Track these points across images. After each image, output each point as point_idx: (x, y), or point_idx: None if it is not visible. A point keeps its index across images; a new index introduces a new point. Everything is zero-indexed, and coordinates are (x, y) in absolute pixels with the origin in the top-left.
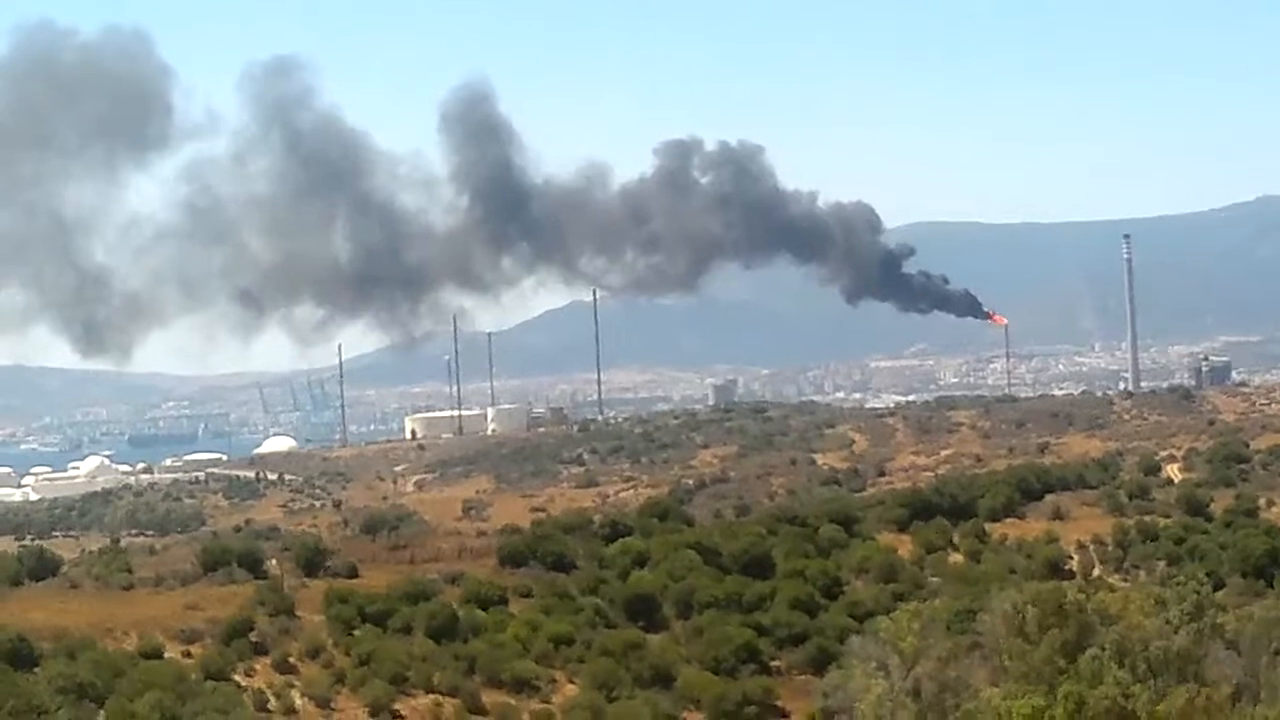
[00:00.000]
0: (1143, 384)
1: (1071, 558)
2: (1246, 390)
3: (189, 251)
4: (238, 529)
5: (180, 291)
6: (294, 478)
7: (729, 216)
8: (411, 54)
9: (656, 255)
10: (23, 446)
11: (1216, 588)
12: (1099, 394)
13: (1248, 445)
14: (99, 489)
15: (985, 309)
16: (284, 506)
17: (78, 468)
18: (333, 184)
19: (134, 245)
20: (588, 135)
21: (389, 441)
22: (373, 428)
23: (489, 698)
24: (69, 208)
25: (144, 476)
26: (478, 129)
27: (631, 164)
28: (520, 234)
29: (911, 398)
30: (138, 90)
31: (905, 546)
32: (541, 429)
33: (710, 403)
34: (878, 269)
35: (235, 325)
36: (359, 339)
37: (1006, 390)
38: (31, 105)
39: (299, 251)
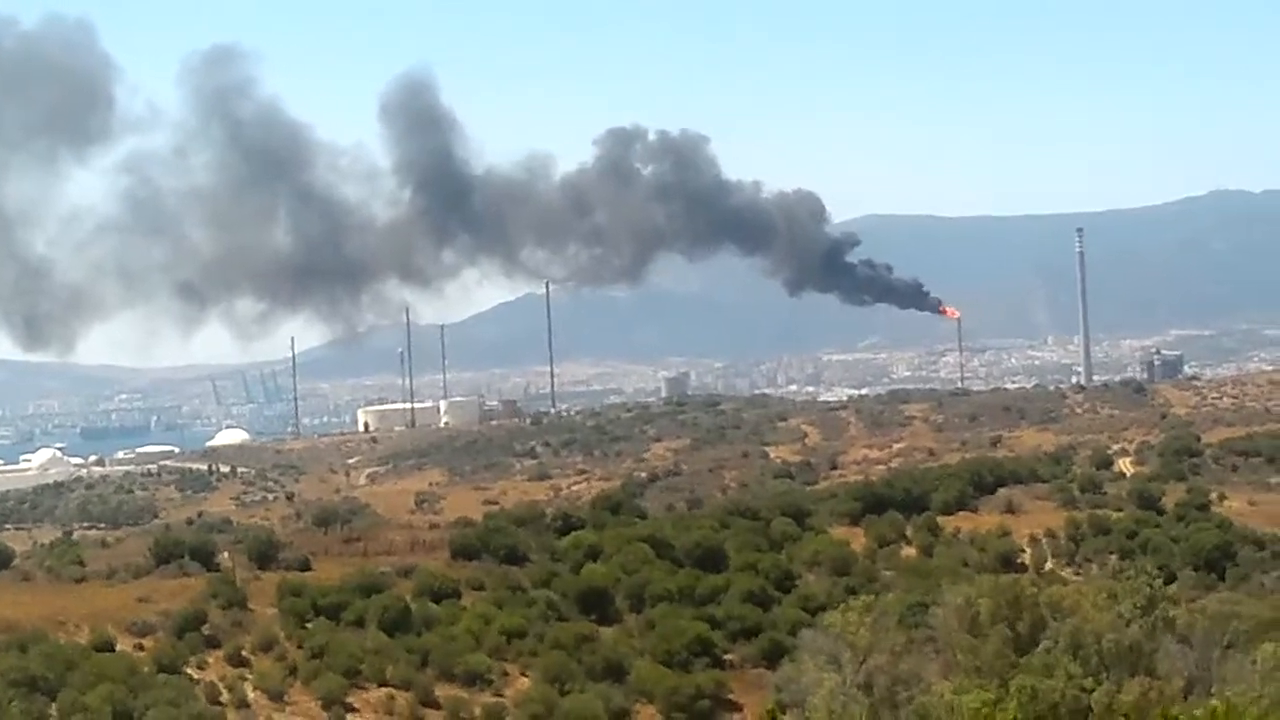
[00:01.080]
0: (1095, 378)
1: (1024, 551)
2: (1198, 384)
3: (129, 244)
4: (190, 522)
5: (121, 284)
6: (246, 470)
7: (671, 207)
8: (354, 45)
9: (599, 247)
10: None
11: (1168, 581)
12: (1051, 388)
13: (1199, 439)
14: (51, 481)
15: (938, 302)
16: (236, 499)
17: (29, 460)
18: (274, 175)
19: (74, 238)
20: (534, 126)
21: (342, 434)
22: (325, 420)
23: (441, 691)
24: (8, 200)
25: (96, 469)
26: (418, 119)
27: (580, 155)
28: (461, 226)
29: (864, 391)
30: (80, 82)
31: (858, 540)
32: (494, 422)
33: (663, 396)
34: (820, 259)
35: (177, 318)
36: (310, 332)
37: (959, 384)
38: None
39: (240, 244)
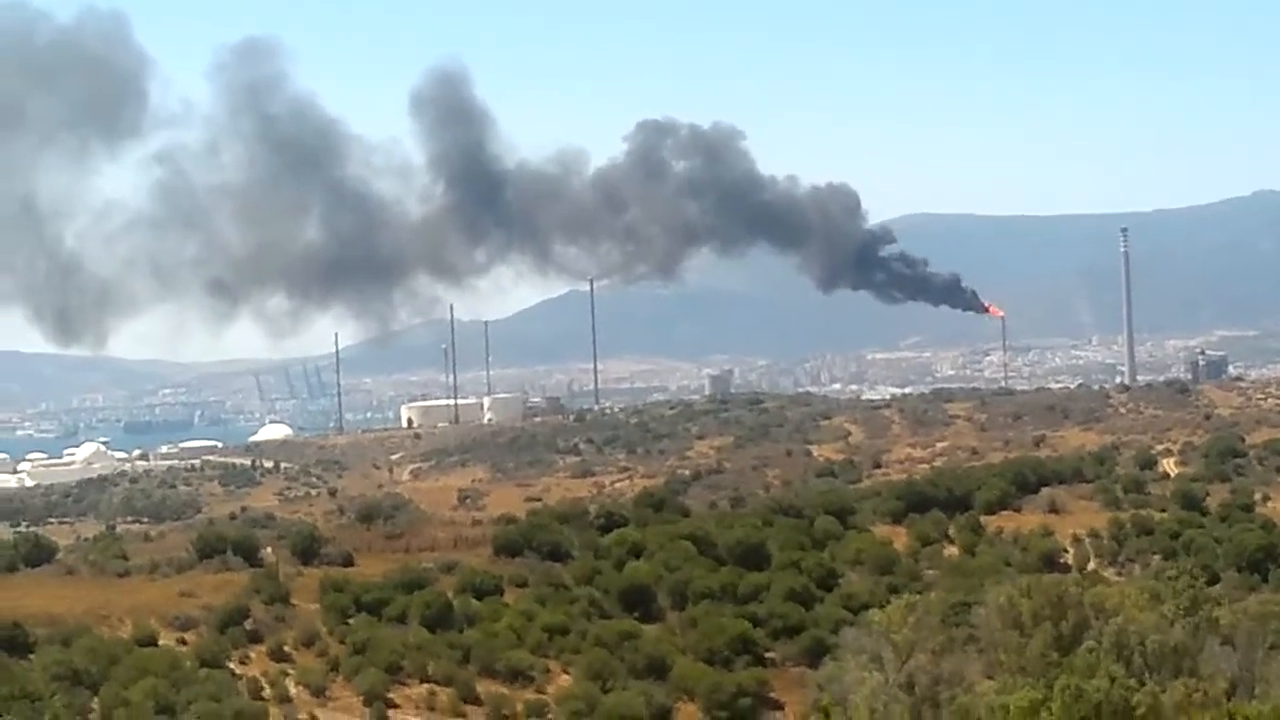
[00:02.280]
0: (1139, 378)
1: (1067, 551)
2: (1242, 384)
3: (161, 239)
4: (233, 516)
5: (152, 279)
6: (290, 465)
7: (703, 202)
8: (386, 40)
9: (631, 243)
10: (19, 433)
11: (1211, 582)
12: (1095, 387)
13: (1243, 440)
14: (95, 475)
15: (976, 298)
16: (279, 494)
17: (74, 454)
18: (306, 170)
19: (106, 232)
20: (568, 121)
21: (385, 430)
22: (369, 416)
23: (483, 687)
24: (41, 194)
25: (140, 463)
26: (450, 112)
27: (615, 150)
28: (494, 222)
29: (907, 390)
30: (114, 76)
31: (900, 539)
32: (537, 418)
33: (706, 393)
34: (853, 255)
35: (208, 314)
36: (347, 328)
37: (1003, 383)
38: (4, 89)
39: (271, 239)
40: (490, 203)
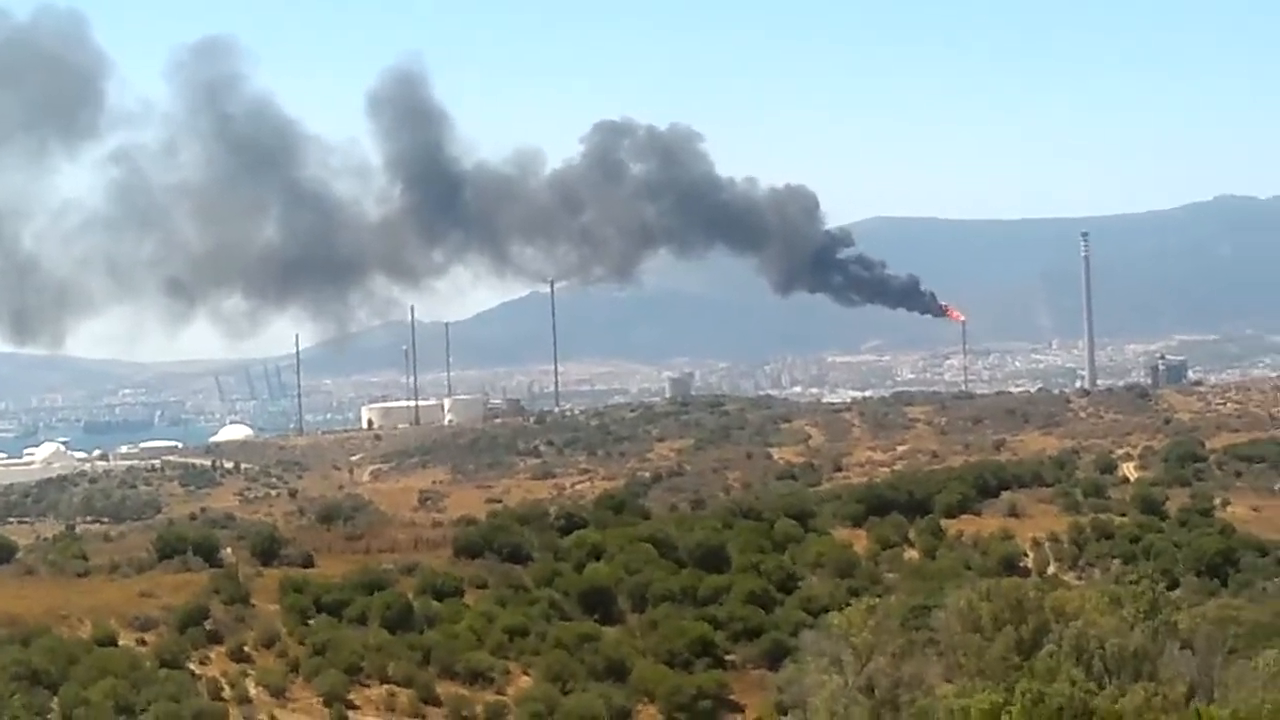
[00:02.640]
0: (1099, 382)
1: (1027, 555)
2: (1202, 389)
3: (118, 239)
4: (193, 517)
5: (109, 279)
6: (250, 466)
7: (659, 204)
8: (344, 40)
9: (588, 245)
10: None
11: (1171, 586)
12: (1055, 392)
13: (1203, 444)
14: (54, 475)
15: (935, 301)
16: (240, 495)
17: (33, 454)
18: (263, 170)
19: (62, 232)
20: (528, 122)
21: (345, 431)
22: (329, 417)
23: (443, 689)
24: None
25: (99, 463)
26: (407, 112)
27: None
28: (451, 223)
29: (868, 393)
30: (71, 75)
31: (861, 542)
32: (498, 420)
33: (667, 396)
34: (811, 257)
35: (165, 314)
36: (303, 329)
37: (963, 387)
38: None
39: (228, 239)
40: (448, 204)
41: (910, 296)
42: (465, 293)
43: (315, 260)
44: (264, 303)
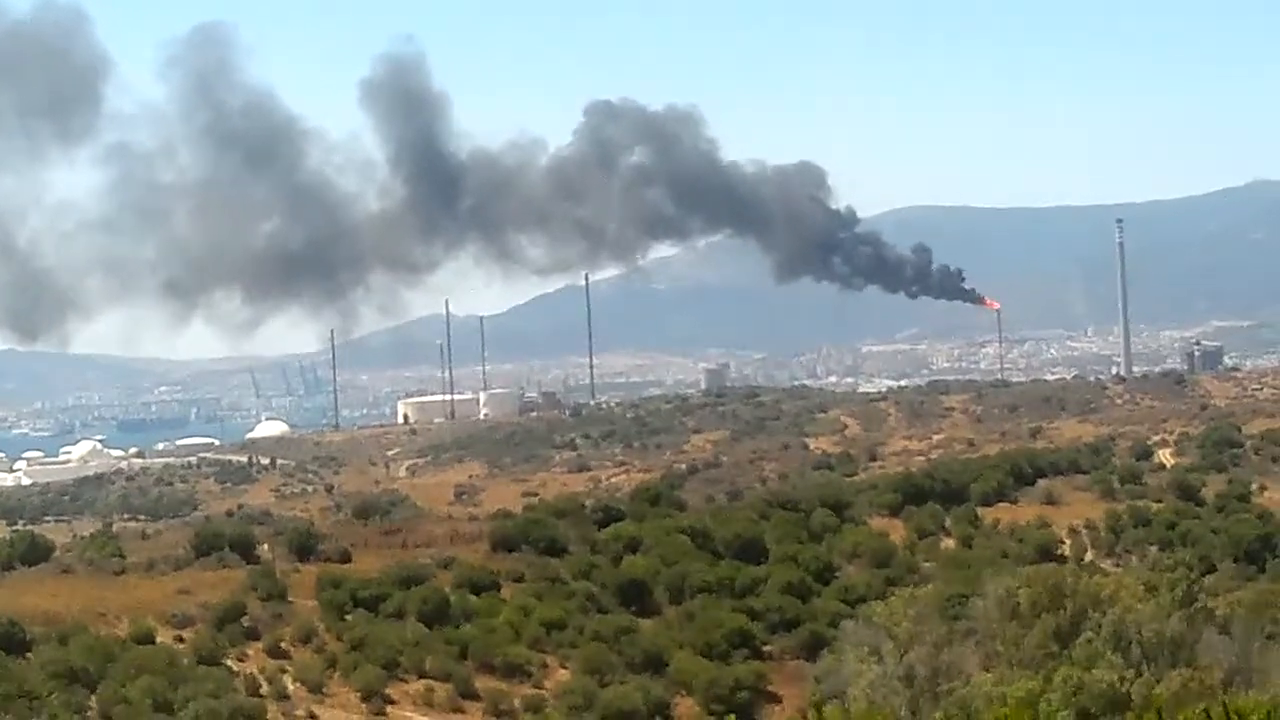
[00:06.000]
0: (1135, 369)
1: (1063, 542)
2: (1238, 375)
3: (115, 239)
4: (230, 513)
5: (107, 279)
6: (286, 462)
7: (657, 189)
8: (338, 31)
9: (588, 233)
10: (14, 431)
11: (1208, 573)
12: (1091, 379)
13: (1239, 430)
14: (91, 473)
15: (977, 293)
16: (276, 491)
17: (70, 452)
18: (260, 164)
19: (61, 231)
20: (529, 109)
21: (381, 426)
22: (365, 412)
23: (481, 683)
24: None
25: (136, 461)
26: (403, 100)
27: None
28: (451, 214)
29: (903, 382)
30: (70, 72)
31: (898, 531)
32: (534, 414)
33: (702, 387)
34: (815, 240)
35: (164, 314)
36: (349, 324)
37: (999, 375)
38: None
39: (226, 237)
40: (447, 194)
41: (947, 285)
42: (491, 286)
43: (315, 256)
44: (264, 301)
